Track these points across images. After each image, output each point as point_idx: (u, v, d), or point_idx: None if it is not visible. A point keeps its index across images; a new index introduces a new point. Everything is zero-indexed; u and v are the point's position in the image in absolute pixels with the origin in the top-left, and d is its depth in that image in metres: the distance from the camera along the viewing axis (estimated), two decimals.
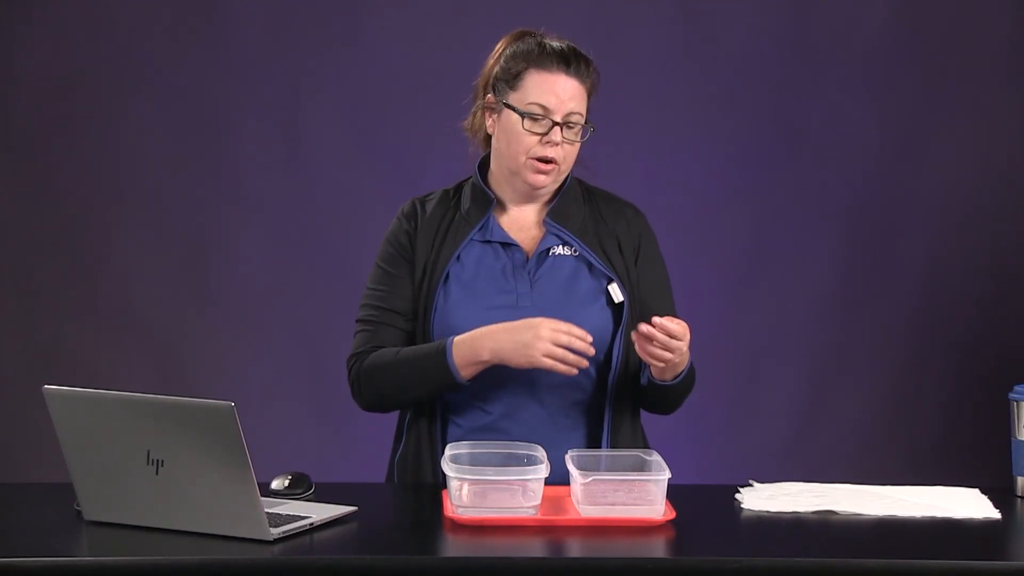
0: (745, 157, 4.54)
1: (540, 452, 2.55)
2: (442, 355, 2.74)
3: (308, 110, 4.54)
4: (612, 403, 2.84)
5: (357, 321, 2.89)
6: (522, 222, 2.89)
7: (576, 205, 2.90)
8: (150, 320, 4.56)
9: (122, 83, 4.53)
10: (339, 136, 4.54)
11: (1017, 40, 4.51)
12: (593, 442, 2.83)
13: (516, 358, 2.70)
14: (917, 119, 4.53)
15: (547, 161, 2.81)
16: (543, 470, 2.46)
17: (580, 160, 2.88)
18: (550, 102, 2.79)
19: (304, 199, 4.55)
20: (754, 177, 4.54)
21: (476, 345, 2.73)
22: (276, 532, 2.33)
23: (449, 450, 2.56)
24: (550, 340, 2.69)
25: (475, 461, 2.53)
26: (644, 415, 2.95)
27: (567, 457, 2.53)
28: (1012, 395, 2.66)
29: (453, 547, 2.37)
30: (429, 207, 2.91)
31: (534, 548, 2.36)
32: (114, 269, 4.56)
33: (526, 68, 2.82)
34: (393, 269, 2.88)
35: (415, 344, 2.84)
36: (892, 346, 4.56)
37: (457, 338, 2.75)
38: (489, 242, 2.86)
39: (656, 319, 2.65)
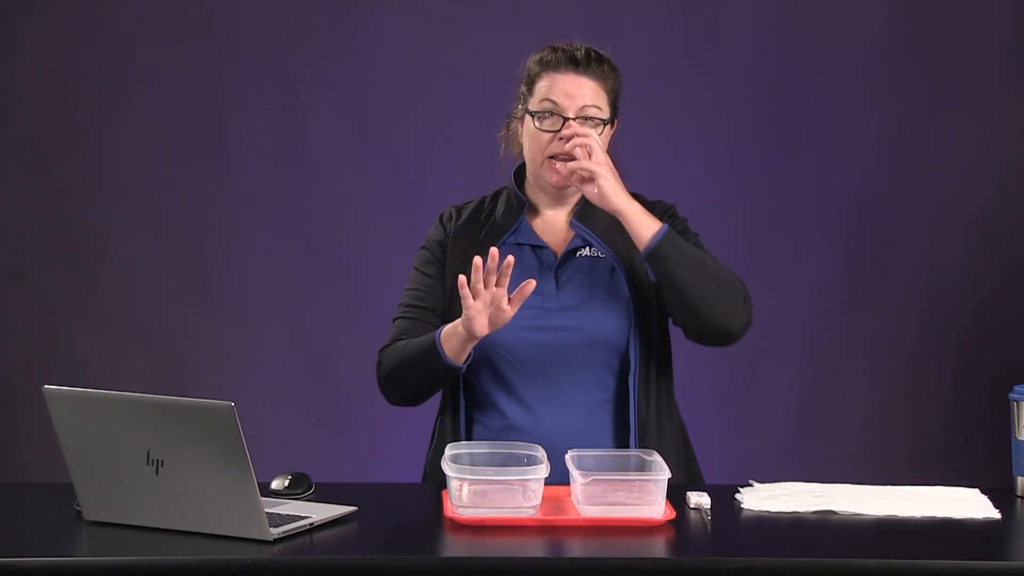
0: (745, 157, 4.54)
1: (540, 452, 2.55)
2: (432, 338, 2.78)
3: (308, 110, 4.54)
4: (637, 405, 2.83)
5: (392, 320, 2.94)
6: (553, 225, 2.94)
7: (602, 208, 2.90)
8: (150, 320, 4.55)
9: (122, 83, 4.52)
10: (339, 136, 4.54)
11: (1017, 40, 4.51)
12: (621, 444, 2.82)
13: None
14: (917, 119, 4.52)
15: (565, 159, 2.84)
16: (543, 470, 2.46)
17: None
18: (559, 98, 2.86)
19: (304, 199, 4.54)
20: (754, 177, 4.54)
21: (455, 325, 2.75)
22: (276, 532, 2.33)
23: (449, 450, 2.56)
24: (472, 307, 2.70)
25: (475, 461, 2.54)
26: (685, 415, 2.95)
27: (567, 457, 2.53)
28: (1012, 395, 2.66)
29: (453, 547, 2.37)
30: (465, 213, 2.97)
31: (534, 548, 2.37)
32: (114, 269, 4.55)
33: (539, 73, 2.90)
34: (427, 271, 2.94)
35: None
36: (892, 346, 4.56)
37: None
38: (520, 245, 2.90)
39: None
